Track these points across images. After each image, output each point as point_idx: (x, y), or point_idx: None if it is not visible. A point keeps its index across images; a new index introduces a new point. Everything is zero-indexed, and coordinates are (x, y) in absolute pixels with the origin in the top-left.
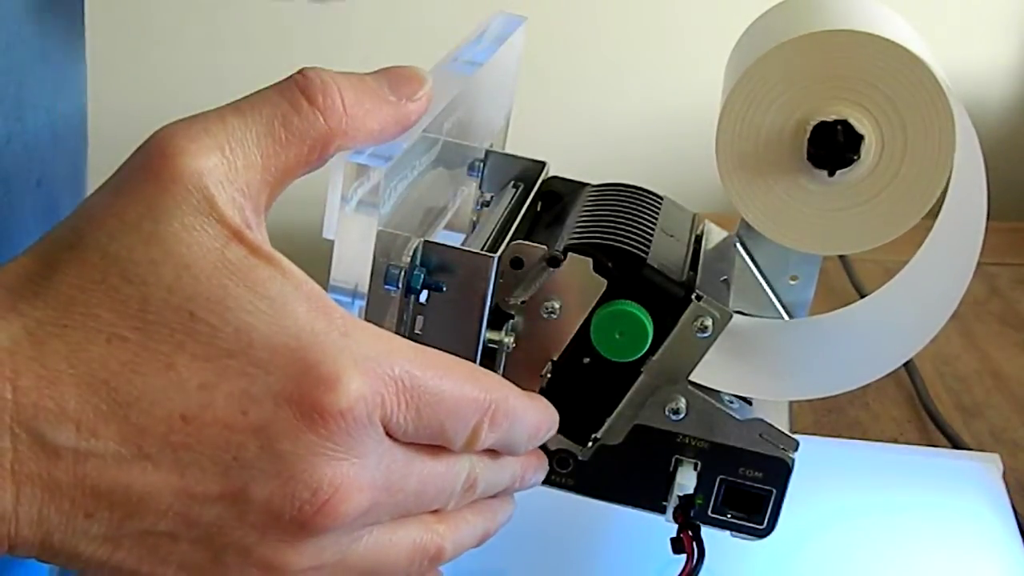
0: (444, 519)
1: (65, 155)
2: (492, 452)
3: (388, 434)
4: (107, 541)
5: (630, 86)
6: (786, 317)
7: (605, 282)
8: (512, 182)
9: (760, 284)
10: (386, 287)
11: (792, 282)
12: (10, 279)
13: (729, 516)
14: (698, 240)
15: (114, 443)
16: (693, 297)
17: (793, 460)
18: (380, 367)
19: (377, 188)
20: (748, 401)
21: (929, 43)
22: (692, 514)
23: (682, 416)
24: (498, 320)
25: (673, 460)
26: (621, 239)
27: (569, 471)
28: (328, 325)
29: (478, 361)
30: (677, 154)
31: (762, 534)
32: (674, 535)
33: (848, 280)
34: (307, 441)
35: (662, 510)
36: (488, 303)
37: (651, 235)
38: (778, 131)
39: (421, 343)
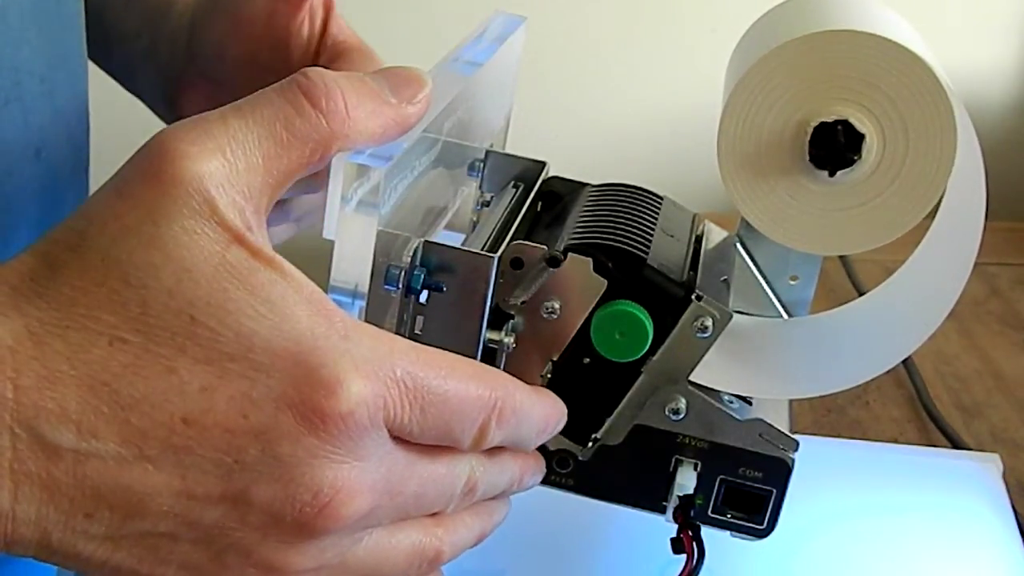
0: (443, 522)
1: (65, 129)
2: (493, 454)
3: (395, 436)
4: (107, 541)
5: (630, 86)
6: (786, 317)
7: (605, 282)
8: (512, 182)
9: (760, 284)
10: (386, 287)
11: (792, 282)
12: (13, 277)
13: (729, 516)
14: (698, 240)
15: (115, 444)
16: (693, 297)
17: (793, 460)
18: (382, 369)
19: (377, 188)
20: (748, 401)
21: (929, 43)
22: (692, 514)
23: (682, 416)
24: (498, 320)
25: (673, 460)
26: (621, 239)
27: (569, 471)
28: (329, 328)
29: (479, 361)
30: (677, 154)
31: (762, 534)
32: (674, 535)
33: (848, 280)
34: (308, 444)
35: (662, 510)
36: (488, 303)
37: (651, 235)
38: (779, 131)
39: (421, 343)
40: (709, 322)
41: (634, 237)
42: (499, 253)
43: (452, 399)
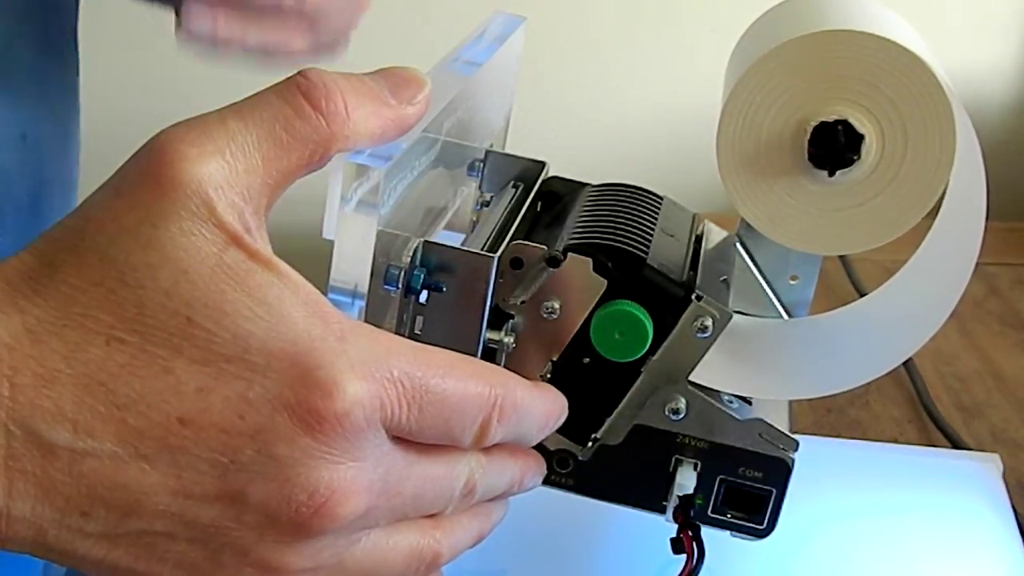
0: (441, 524)
1: (52, 116)
2: (492, 455)
3: (393, 436)
4: (103, 540)
5: (630, 86)
6: (786, 317)
7: (605, 282)
8: (512, 182)
9: (760, 284)
10: (386, 287)
11: (792, 282)
12: (12, 275)
13: (729, 516)
14: (698, 240)
15: (111, 444)
16: (693, 297)
17: (793, 460)
18: (378, 370)
19: (377, 188)
20: (748, 401)
21: (929, 43)
22: (692, 514)
23: (682, 416)
24: (498, 320)
25: (673, 460)
26: (621, 239)
27: (569, 471)
28: (325, 330)
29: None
30: (677, 154)
31: (762, 534)
32: (674, 535)
33: (848, 280)
34: (304, 445)
35: (662, 510)
36: (488, 303)
37: (651, 235)
38: (779, 131)
39: (421, 343)
40: (709, 322)
41: (634, 237)
42: (499, 253)
43: (451, 398)
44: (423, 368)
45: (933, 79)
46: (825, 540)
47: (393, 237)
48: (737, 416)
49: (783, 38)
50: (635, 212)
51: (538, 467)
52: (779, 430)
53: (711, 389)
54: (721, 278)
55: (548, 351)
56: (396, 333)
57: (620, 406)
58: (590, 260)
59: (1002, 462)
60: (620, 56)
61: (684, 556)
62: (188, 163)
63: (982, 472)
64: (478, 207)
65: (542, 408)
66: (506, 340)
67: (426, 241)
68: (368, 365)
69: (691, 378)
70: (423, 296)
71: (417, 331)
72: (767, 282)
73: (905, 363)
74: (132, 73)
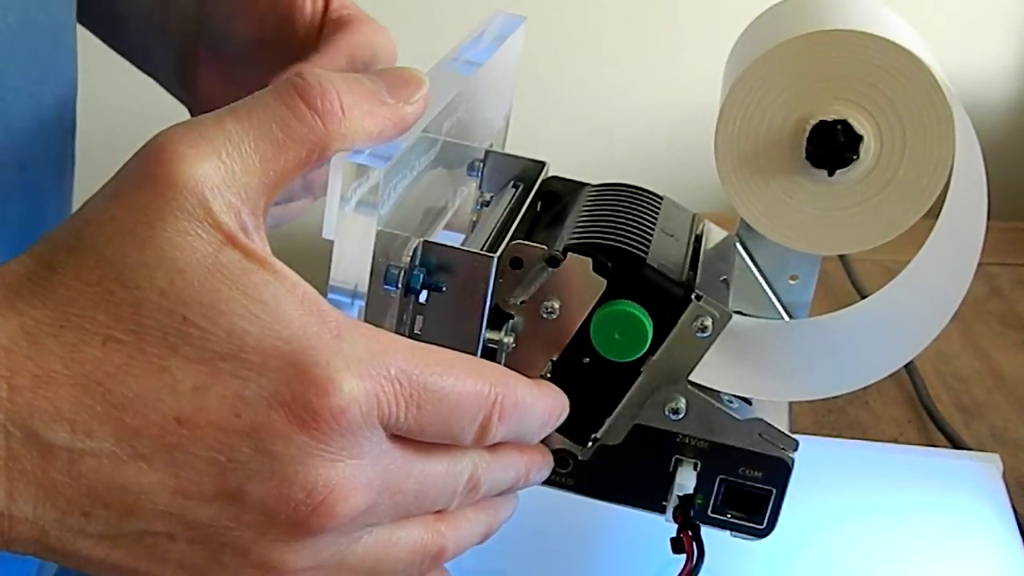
0: (445, 518)
1: (49, 141)
2: (496, 450)
3: (393, 434)
4: (105, 540)
5: (630, 86)
6: (786, 317)
7: (605, 282)
8: (512, 182)
9: (760, 284)
10: (386, 287)
11: (792, 282)
12: (9, 278)
13: (729, 516)
14: (698, 240)
15: (109, 443)
16: (693, 297)
17: (793, 460)
18: (375, 368)
19: (376, 188)
20: (748, 401)
21: (929, 43)
22: (692, 514)
23: (682, 416)
24: (498, 320)
25: (673, 460)
26: (621, 239)
27: (569, 471)
28: (321, 327)
29: None
30: (677, 154)
31: (762, 534)
32: (674, 535)
33: (848, 280)
34: (300, 443)
35: (662, 510)
36: (488, 303)
37: (651, 235)
38: (777, 131)
39: (420, 342)
40: (709, 322)
41: (634, 237)
42: (499, 253)
43: (450, 396)
44: (421, 366)
45: (932, 79)
46: (825, 540)
47: (393, 237)
48: (737, 416)
49: (781, 38)
50: (635, 212)
51: (544, 460)
52: (779, 430)
53: (711, 389)
54: (721, 278)
55: (548, 351)
56: (396, 333)
57: (620, 406)
58: (590, 260)
59: (1002, 462)
60: (620, 56)
61: (684, 556)
62: (185, 164)
63: (982, 472)
64: (478, 207)
65: (543, 406)
66: (506, 340)
67: (426, 241)
68: (365, 363)
69: (691, 378)
70: (423, 296)
71: (417, 331)
72: (767, 282)
73: (905, 363)
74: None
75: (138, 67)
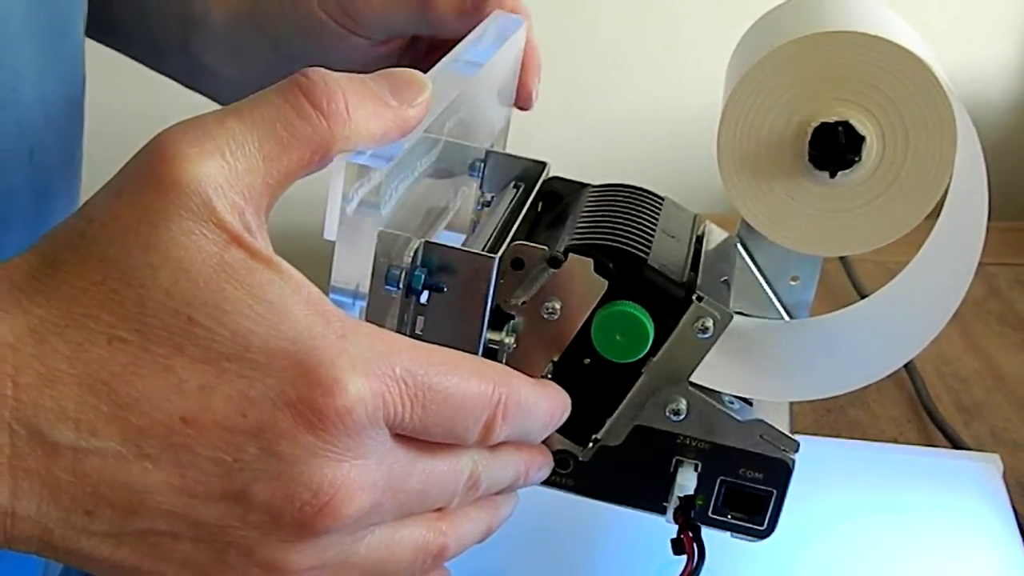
0: (446, 517)
1: (57, 131)
2: (496, 448)
3: (396, 434)
4: (108, 538)
5: (631, 86)
6: (787, 318)
7: (606, 283)
8: (513, 182)
9: (761, 285)
10: (387, 288)
11: (793, 283)
12: (15, 275)
13: (729, 517)
14: (699, 241)
15: (114, 443)
16: (694, 298)
17: (794, 461)
18: (380, 368)
19: (378, 189)
20: (749, 402)
21: (929, 43)
22: (692, 515)
23: (683, 417)
24: (499, 321)
25: (674, 461)
26: (622, 240)
27: (569, 472)
28: (326, 328)
29: None
30: (678, 155)
31: (762, 535)
32: (674, 536)
33: (848, 281)
34: (306, 443)
35: (662, 511)
36: (489, 304)
37: (652, 236)
38: (779, 132)
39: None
40: (710, 323)
41: (635, 238)
42: (500, 254)
43: (454, 396)
44: (426, 366)
45: (934, 80)
46: (825, 540)
47: (394, 238)
48: (738, 417)
49: (783, 39)
50: (636, 213)
51: (544, 459)
52: (780, 431)
53: (712, 390)
54: (722, 279)
55: (549, 352)
56: (397, 333)
57: (621, 407)
58: (591, 261)
59: (1002, 462)
60: (621, 56)
61: (685, 557)
62: (188, 163)
63: (982, 472)
64: (479, 207)
65: (546, 406)
66: (507, 341)
67: (427, 242)
68: (370, 363)
69: (692, 379)
70: (424, 297)
71: (418, 331)
72: (768, 283)
73: (905, 363)
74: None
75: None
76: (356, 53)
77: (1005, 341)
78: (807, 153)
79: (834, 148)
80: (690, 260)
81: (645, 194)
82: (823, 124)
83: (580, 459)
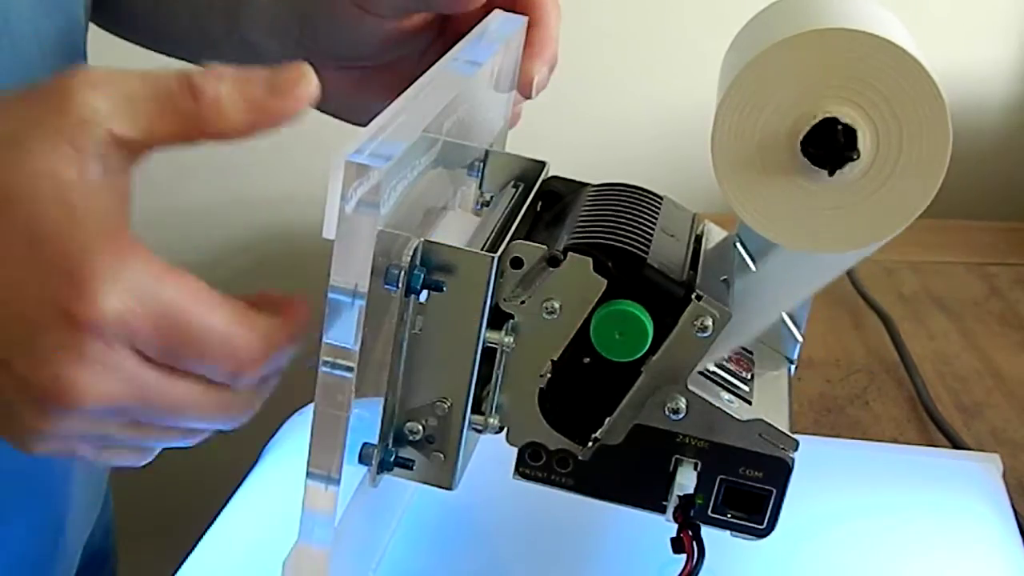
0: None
1: (52, 63)
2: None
3: (147, 356)
4: None
5: (630, 86)
6: (786, 317)
7: (605, 282)
8: (512, 182)
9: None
10: (386, 287)
11: None
12: None
13: (729, 516)
14: (698, 240)
15: None
16: (693, 297)
17: (793, 460)
18: (140, 295)
19: (377, 188)
20: (748, 401)
21: (929, 43)
22: (692, 514)
23: (682, 416)
24: (498, 320)
25: (673, 460)
26: (621, 239)
27: (569, 471)
28: (108, 245)
29: (477, 361)
30: (677, 154)
31: (762, 534)
32: (674, 535)
33: (847, 278)
34: (58, 339)
35: (662, 510)
36: (488, 303)
37: (651, 235)
38: (774, 131)
39: (421, 343)
40: (709, 322)
41: (634, 237)
42: (499, 253)
43: (206, 337)
44: (189, 303)
45: (926, 76)
46: (825, 540)
47: (393, 236)
48: (737, 416)
49: (776, 38)
50: (635, 212)
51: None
52: (779, 430)
53: (711, 390)
54: (721, 277)
55: (548, 351)
56: (396, 333)
57: (620, 406)
58: (590, 260)
59: (1002, 462)
60: (620, 56)
61: (684, 556)
62: (85, 90)
63: (982, 472)
64: (478, 207)
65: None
66: (506, 340)
67: (426, 241)
68: (132, 289)
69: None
70: (423, 295)
71: (417, 330)
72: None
73: (905, 363)
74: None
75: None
76: (372, 32)
77: (1005, 341)
78: (804, 151)
79: (831, 146)
80: (689, 259)
81: (644, 193)
82: (820, 122)
83: (580, 458)
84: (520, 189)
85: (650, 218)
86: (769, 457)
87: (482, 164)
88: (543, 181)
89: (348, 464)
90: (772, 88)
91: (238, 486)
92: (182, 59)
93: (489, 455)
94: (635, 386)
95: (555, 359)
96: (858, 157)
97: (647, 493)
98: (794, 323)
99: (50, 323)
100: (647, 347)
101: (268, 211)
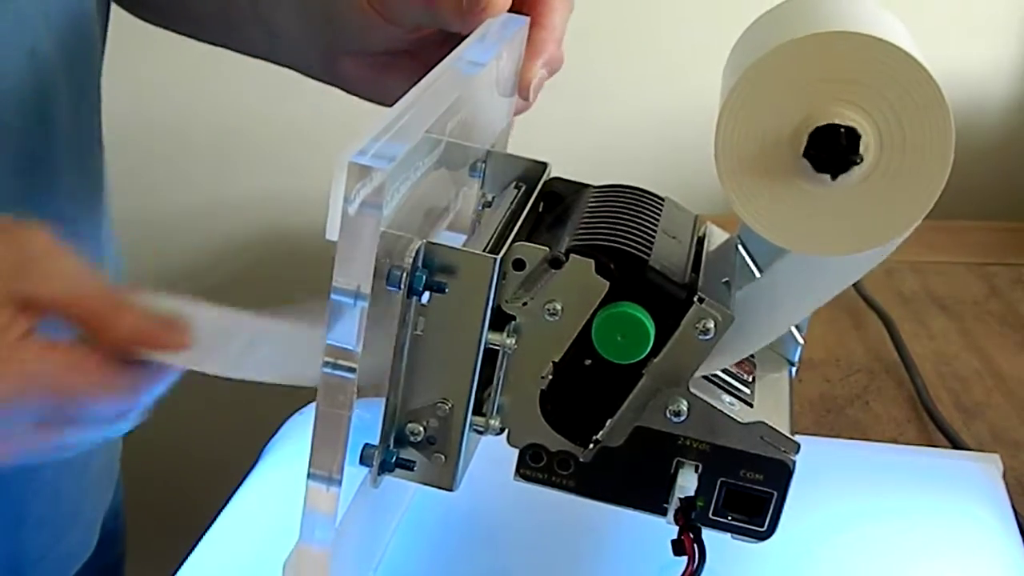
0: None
1: (57, 34)
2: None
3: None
4: None
5: (632, 87)
6: None
7: (607, 284)
8: (514, 183)
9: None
10: (389, 288)
11: None
12: None
13: (730, 518)
14: (700, 242)
15: None
16: (695, 299)
17: (794, 462)
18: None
19: (380, 189)
20: (749, 403)
21: (929, 43)
22: (693, 516)
23: (683, 418)
24: (500, 321)
25: (674, 462)
26: (623, 241)
27: (570, 473)
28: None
29: (479, 363)
30: (679, 156)
31: (763, 536)
32: (675, 537)
33: None
34: None
35: (663, 512)
36: (490, 304)
37: (653, 237)
38: (776, 134)
39: (423, 344)
40: (711, 324)
41: (636, 239)
42: (501, 254)
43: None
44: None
45: (929, 79)
46: (824, 540)
47: (396, 238)
48: (738, 419)
49: (779, 41)
50: (637, 214)
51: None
52: (780, 432)
53: (712, 392)
54: (723, 280)
55: (550, 352)
56: (398, 334)
57: (622, 408)
58: (592, 261)
59: (1002, 462)
60: (622, 57)
61: (685, 558)
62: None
63: (982, 472)
64: (480, 208)
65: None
66: (508, 341)
67: (429, 242)
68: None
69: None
70: (425, 297)
71: (419, 332)
72: (759, 270)
73: (905, 363)
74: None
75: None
76: (390, 35)
77: (1005, 341)
78: (807, 154)
79: (834, 149)
80: (691, 261)
81: (646, 195)
82: (823, 125)
83: (581, 460)
84: (522, 190)
85: (652, 220)
86: (770, 460)
87: (484, 165)
88: (545, 182)
89: (349, 465)
90: (775, 91)
91: (238, 486)
92: (204, 40)
93: (490, 456)
94: (636, 388)
95: (557, 361)
96: (861, 160)
97: (648, 495)
98: (795, 325)
99: None
100: (649, 349)
101: (268, 211)
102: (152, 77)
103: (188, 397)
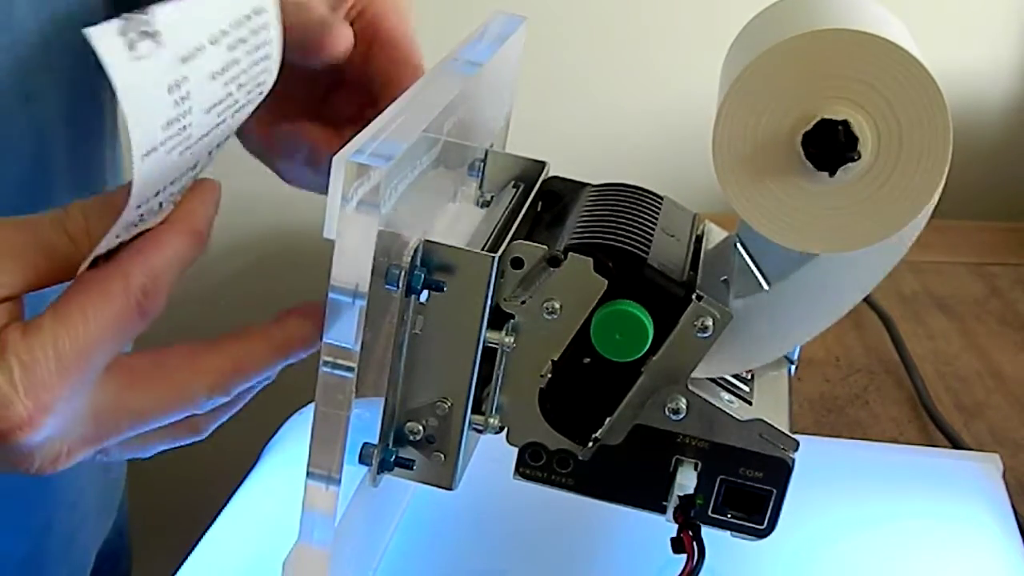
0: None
1: (57, 75)
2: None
3: None
4: None
5: (630, 86)
6: None
7: (605, 282)
8: (512, 182)
9: (760, 284)
10: (387, 287)
11: None
12: None
13: (729, 516)
14: (698, 240)
15: None
16: (693, 297)
17: (793, 460)
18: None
19: (378, 188)
20: (748, 401)
21: (929, 43)
22: (692, 514)
23: (682, 416)
24: (498, 320)
25: (673, 460)
26: (622, 239)
27: (569, 471)
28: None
29: (478, 362)
30: (678, 154)
31: (762, 534)
32: (674, 535)
33: None
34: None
35: (662, 510)
36: (488, 303)
37: (651, 235)
38: (774, 131)
39: (421, 343)
40: (709, 322)
41: (634, 237)
42: (499, 253)
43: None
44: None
45: (927, 76)
46: (824, 539)
47: (394, 237)
48: (737, 416)
49: (777, 38)
50: (636, 212)
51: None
52: (779, 430)
53: (711, 390)
54: (721, 278)
55: (548, 351)
56: (396, 332)
57: (620, 406)
58: (591, 260)
59: (1002, 462)
60: (620, 56)
61: (684, 556)
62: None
63: (982, 472)
64: (479, 206)
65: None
66: (506, 340)
67: (427, 241)
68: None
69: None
70: (424, 296)
71: (417, 330)
72: (767, 282)
73: (905, 363)
74: None
75: None
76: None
77: (1005, 341)
78: (805, 152)
79: (832, 146)
80: (689, 259)
81: (644, 193)
82: (820, 122)
83: (580, 458)
84: (520, 189)
85: (650, 218)
86: (769, 457)
87: (482, 164)
88: (543, 181)
89: (348, 464)
90: (773, 88)
91: (238, 486)
92: None
93: (489, 455)
94: (635, 386)
95: (555, 359)
96: (859, 158)
97: (647, 493)
98: None
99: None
100: (647, 347)
101: (268, 211)
102: None
103: None
